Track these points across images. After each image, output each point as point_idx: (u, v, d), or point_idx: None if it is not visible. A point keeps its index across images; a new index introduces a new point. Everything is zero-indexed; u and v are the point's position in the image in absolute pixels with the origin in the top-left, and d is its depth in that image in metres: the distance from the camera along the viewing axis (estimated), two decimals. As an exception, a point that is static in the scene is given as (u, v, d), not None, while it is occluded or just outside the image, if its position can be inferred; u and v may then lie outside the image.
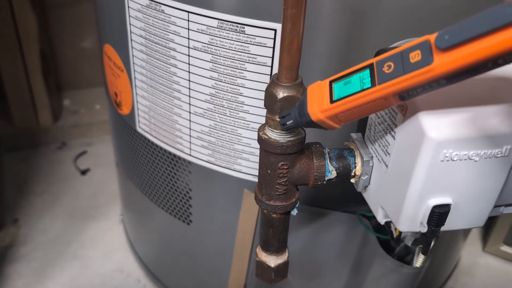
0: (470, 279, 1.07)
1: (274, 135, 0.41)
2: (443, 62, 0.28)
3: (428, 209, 0.39)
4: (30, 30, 1.28)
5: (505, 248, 1.11)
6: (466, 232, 0.94)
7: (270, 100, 0.40)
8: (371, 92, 0.32)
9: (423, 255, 0.57)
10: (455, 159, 0.36)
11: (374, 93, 0.32)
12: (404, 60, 0.30)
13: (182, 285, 0.92)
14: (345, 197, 0.62)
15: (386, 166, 0.42)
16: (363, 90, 0.33)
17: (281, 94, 0.39)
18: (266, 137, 0.42)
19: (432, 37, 0.28)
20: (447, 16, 0.49)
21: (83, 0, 1.41)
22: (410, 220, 0.40)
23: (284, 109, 0.40)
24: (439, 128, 0.35)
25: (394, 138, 0.40)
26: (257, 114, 0.58)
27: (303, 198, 0.63)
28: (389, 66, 0.31)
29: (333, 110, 0.35)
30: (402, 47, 0.31)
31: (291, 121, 0.39)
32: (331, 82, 0.36)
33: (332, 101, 0.35)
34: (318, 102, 0.36)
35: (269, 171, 0.43)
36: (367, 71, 0.33)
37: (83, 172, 1.32)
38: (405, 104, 0.38)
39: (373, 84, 0.32)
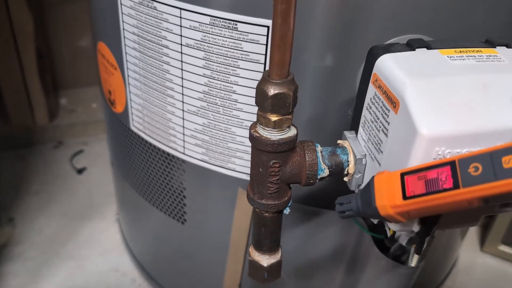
0: (468, 278, 1.06)
1: (266, 133, 0.41)
2: None
3: (421, 208, 0.38)
4: (26, 28, 1.28)
5: (503, 248, 1.10)
6: (463, 231, 0.94)
7: (261, 97, 0.39)
8: (454, 194, 0.30)
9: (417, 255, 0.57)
10: (447, 156, 0.35)
11: (457, 196, 0.30)
12: (495, 164, 0.28)
13: (178, 285, 0.92)
14: (340, 196, 0.61)
15: (379, 164, 0.41)
16: (444, 190, 0.30)
17: (272, 91, 0.38)
18: (257, 135, 0.41)
19: None
20: (443, 14, 0.49)
21: (79, -2, 1.41)
22: (403, 219, 0.40)
23: (276, 106, 0.39)
24: (431, 125, 0.35)
25: (386, 135, 0.39)
26: (251, 112, 0.58)
27: (298, 197, 0.62)
28: (476, 168, 0.29)
29: (406, 207, 0.33)
30: (490, 149, 0.29)
31: (351, 210, 0.37)
32: (402, 175, 0.34)
33: (405, 198, 0.33)
34: (389, 196, 0.34)
35: (260, 170, 0.43)
36: (447, 169, 0.31)
37: (79, 171, 1.31)
38: (397, 101, 0.37)
39: (456, 185, 0.30)
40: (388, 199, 0.34)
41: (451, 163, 0.31)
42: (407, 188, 0.33)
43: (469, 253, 1.12)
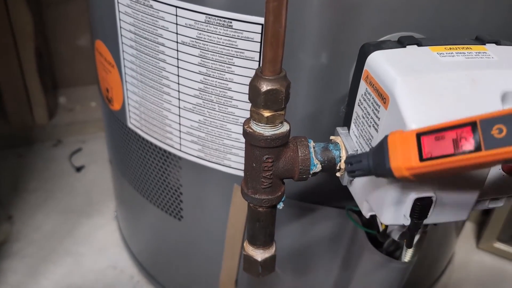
0: (464, 275, 1.07)
1: (259, 128, 0.41)
2: None
3: (410, 202, 0.39)
4: (26, 28, 1.28)
5: (498, 245, 1.11)
6: (458, 227, 0.95)
7: (253, 93, 0.40)
8: (476, 157, 0.28)
9: (410, 250, 0.57)
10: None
11: (479, 158, 0.28)
12: None
13: (175, 282, 0.92)
14: (335, 192, 0.62)
15: (370, 159, 0.42)
16: (463, 153, 0.29)
17: (264, 87, 0.39)
18: (250, 130, 0.42)
19: None
20: (435, 12, 0.49)
21: (78, -3, 1.42)
22: (393, 213, 0.40)
23: (268, 102, 0.40)
24: (420, 121, 0.35)
25: (377, 131, 0.40)
26: (246, 109, 0.58)
27: (292, 193, 0.63)
28: (500, 130, 0.27)
29: (423, 169, 0.31)
30: None
31: (361, 170, 0.35)
32: (419, 135, 0.32)
33: (422, 159, 0.31)
34: (404, 158, 0.32)
35: (254, 165, 0.44)
36: (468, 130, 0.29)
37: (78, 169, 1.32)
38: (388, 97, 0.38)
39: (477, 147, 0.28)
40: (403, 161, 0.32)
41: (472, 124, 0.29)
42: (423, 149, 0.31)
43: (465, 250, 1.13)
